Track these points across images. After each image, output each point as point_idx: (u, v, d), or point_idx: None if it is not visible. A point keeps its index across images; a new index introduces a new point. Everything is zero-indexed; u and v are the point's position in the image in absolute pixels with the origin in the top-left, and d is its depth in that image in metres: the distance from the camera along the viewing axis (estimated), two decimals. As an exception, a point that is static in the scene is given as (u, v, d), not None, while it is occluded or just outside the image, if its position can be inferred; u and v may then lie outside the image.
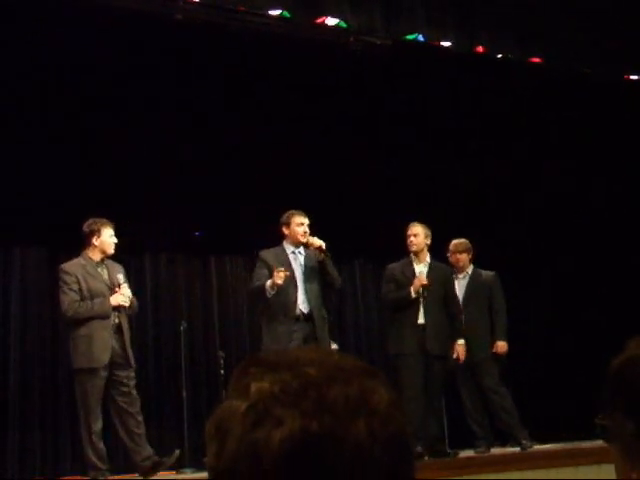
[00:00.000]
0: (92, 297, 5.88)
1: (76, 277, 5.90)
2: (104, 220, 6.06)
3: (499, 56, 7.52)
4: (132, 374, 6.00)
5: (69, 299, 5.87)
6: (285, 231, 6.41)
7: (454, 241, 7.31)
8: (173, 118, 7.57)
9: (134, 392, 5.97)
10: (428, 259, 6.80)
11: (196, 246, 8.65)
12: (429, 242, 6.79)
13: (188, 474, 6.78)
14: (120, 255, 6.37)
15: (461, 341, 6.76)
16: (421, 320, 6.61)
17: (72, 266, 5.98)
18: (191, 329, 8.20)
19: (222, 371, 7.47)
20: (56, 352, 7.71)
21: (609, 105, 8.27)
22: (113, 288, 5.99)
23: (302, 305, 6.22)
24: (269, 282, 6.08)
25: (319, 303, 6.32)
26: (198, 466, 6.75)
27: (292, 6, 6.51)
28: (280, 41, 7.02)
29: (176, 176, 7.89)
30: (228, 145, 7.91)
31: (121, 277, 6.06)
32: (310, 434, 0.77)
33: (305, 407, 0.78)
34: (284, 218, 6.42)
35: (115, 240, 6.05)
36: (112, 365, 5.88)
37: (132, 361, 6.01)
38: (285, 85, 7.58)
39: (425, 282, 6.59)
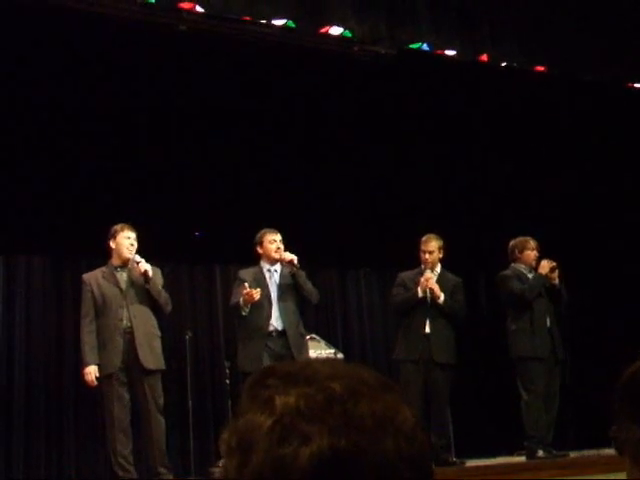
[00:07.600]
0: (104, 302, 5.84)
1: (90, 286, 5.90)
2: (123, 224, 6.04)
3: (503, 64, 7.53)
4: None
5: (83, 318, 5.90)
6: (259, 250, 6.48)
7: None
8: (174, 124, 7.60)
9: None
10: (438, 269, 6.83)
11: (200, 254, 8.64)
12: (442, 255, 6.80)
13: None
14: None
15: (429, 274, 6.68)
16: (427, 329, 6.62)
17: (89, 276, 6.01)
18: (196, 339, 8.19)
19: (228, 381, 7.46)
20: (61, 358, 7.75)
21: (613, 114, 8.27)
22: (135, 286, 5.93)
23: (276, 322, 6.28)
24: (241, 300, 6.16)
25: (295, 320, 6.35)
26: (203, 475, 6.73)
27: (296, 16, 6.53)
28: (285, 51, 7.04)
29: (178, 184, 7.90)
30: (231, 153, 7.92)
31: (137, 257, 5.95)
32: (338, 451, 0.76)
33: (332, 423, 0.78)
34: (257, 238, 6.49)
35: (132, 243, 5.97)
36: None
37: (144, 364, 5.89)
38: (289, 94, 7.60)
39: (434, 285, 6.59)
